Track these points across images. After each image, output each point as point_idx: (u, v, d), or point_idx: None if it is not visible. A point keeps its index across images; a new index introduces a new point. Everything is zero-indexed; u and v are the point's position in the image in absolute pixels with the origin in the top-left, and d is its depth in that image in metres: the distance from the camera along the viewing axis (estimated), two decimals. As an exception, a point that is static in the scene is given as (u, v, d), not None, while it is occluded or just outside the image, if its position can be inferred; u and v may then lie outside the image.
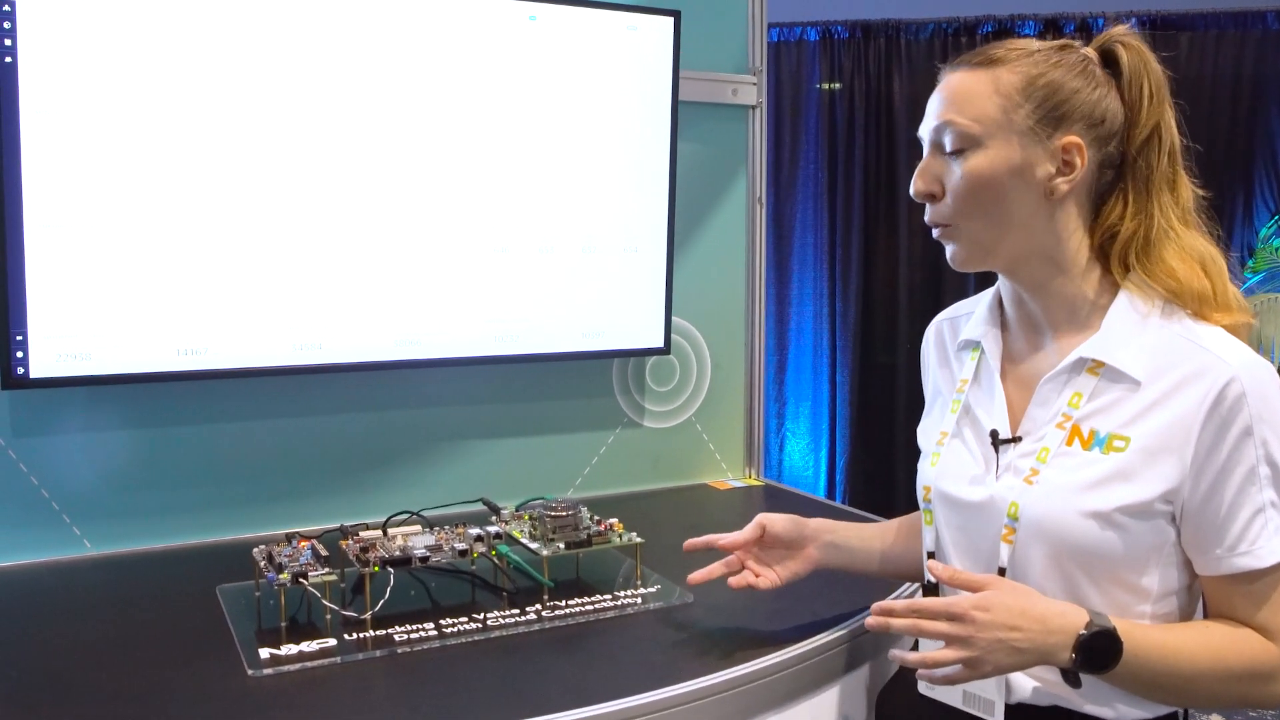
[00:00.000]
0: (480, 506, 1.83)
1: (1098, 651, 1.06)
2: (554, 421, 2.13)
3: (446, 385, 2.02)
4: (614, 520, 1.63)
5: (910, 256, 4.81)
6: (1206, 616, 1.18)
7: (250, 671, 1.27)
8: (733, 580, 1.38)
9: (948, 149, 1.17)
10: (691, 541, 1.42)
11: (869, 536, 1.45)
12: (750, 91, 2.23)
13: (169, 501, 1.82)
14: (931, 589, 1.24)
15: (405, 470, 2.00)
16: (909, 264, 4.81)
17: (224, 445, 1.85)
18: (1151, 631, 1.11)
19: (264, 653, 1.32)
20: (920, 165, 1.20)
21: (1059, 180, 1.15)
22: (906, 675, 1.35)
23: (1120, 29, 1.19)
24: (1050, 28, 4.58)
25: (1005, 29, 4.59)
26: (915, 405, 5.17)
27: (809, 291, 4.84)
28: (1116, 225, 1.19)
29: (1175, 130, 1.19)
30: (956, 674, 1.08)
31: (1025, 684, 1.17)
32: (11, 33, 1.55)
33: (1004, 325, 1.29)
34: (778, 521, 1.39)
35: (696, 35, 2.10)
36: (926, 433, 1.36)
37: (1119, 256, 1.19)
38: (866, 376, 4.95)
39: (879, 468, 4.95)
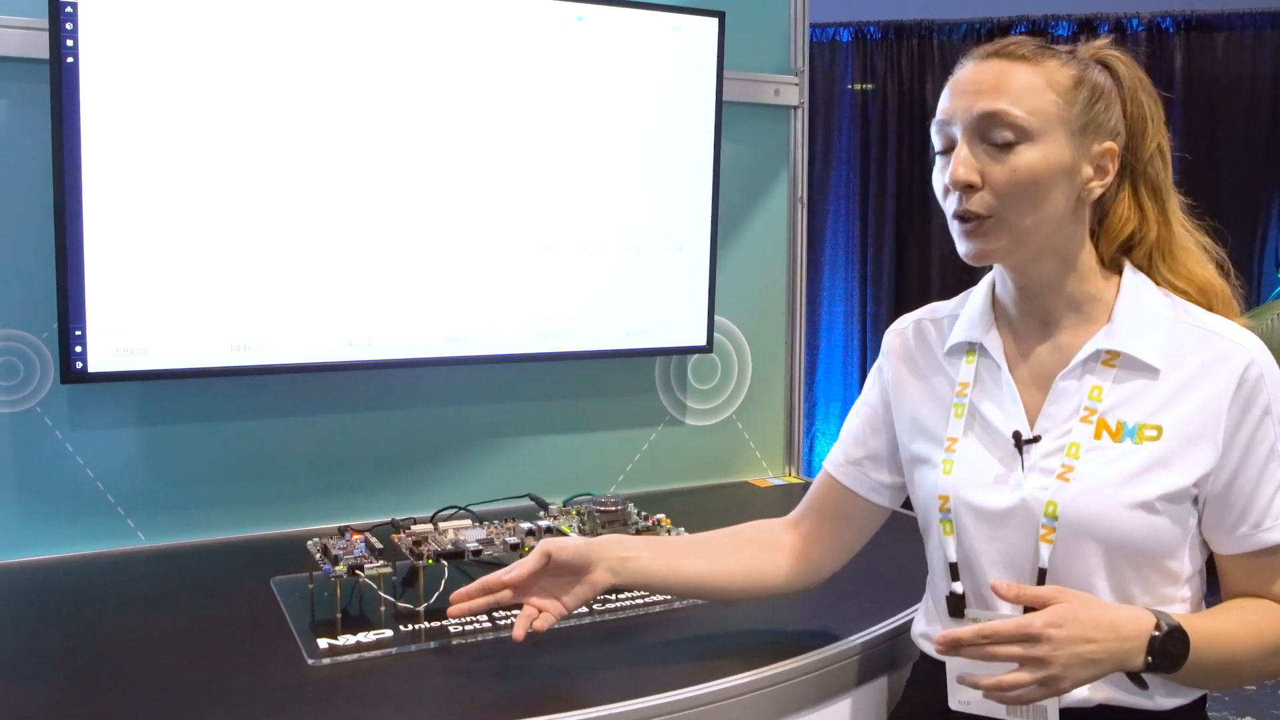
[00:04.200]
0: (527, 502, 1.85)
1: (1170, 652, 1.06)
2: (597, 419, 2.15)
3: (492, 382, 2.04)
4: (661, 515, 1.65)
5: (942, 257, 4.80)
6: (1220, 593, 1.18)
7: (310, 661, 1.30)
8: (515, 631, 1.24)
9: (995, 139, 1.12)
10: (461, 591, 1.26)
11: (676, 553, 1.34)
12: (792, 92, 2.24)
13: (219, 495, 1.85)
14: (956, 601, 1.21)
15: (450, 466, 2.02)
16: (940, 265, 4.81)
17: (274, 440, 1.88)
18: (1202, 621, 1.11)
19: (322, 643, 1.34)
20: (959, 154, 1.13)
21: (1094, 184, 1.15)
22: (922, 691, 1.32)
23: (1103, 43, 1.19)
24: (1085, 28, 4.56)
25: (1039, 29, 4.58)
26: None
27: (840, 291, 4.84)
28: (1134, 232, 1.20)
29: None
30: (1032, 694, 1.05)
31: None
32: (74, 34, 1.59)
33: (1001, 324, 1.25)
34: (565, 549, 1.27)
35: (739, 36, 2.11)
36: (924, 440, 1.28)
37: (1141, 262, 1.21)
38: (898, 377, 4.94)
39: (909, 469, 4.94)
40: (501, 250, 1.92)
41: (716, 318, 2.16)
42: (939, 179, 1.18)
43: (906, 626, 1.46)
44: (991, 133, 1.12)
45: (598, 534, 1.57)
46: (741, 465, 2.32)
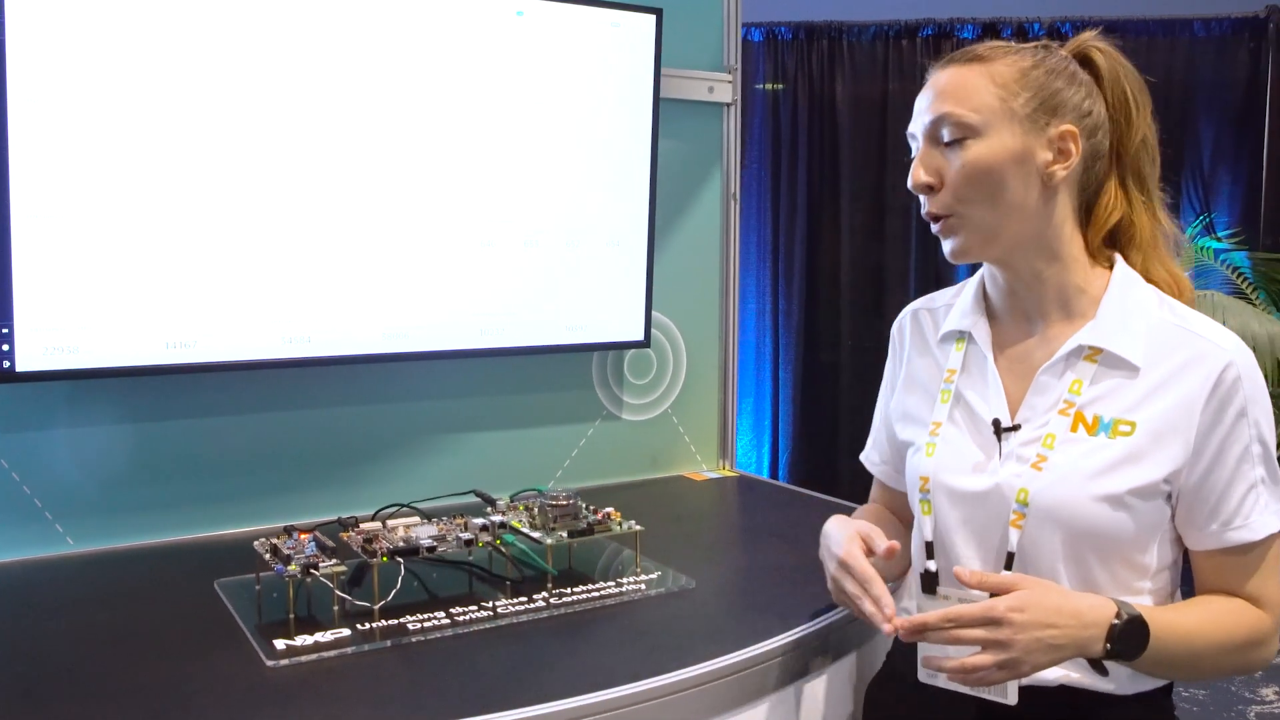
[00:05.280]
0: (470, 498, 1.84)
1: (1130, 640, 1.10)
2: (535, 414, 2.14)
3: (431, 378, 2.02)
4: (610, 509, 1.65)
5: (853, 255, 4.90)
6: (1194, 590, 1.22)
7: (269, 663, 1.27)
8: (886, 627, 1.16)
9: (945, 140, 1.19)
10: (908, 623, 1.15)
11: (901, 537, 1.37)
12: (726, 89, 2.27)
13: (153, 497, 1.79)
14: (930, 579, 1.24)
15: (389, 463, 1.99)
16: (851, 263, 4.90)
17: (209, 440, 1.84)
18: (1166, 613, 1.14)
19: (279, 644, 1.31)
20: (918, 158, 1.21)
21: (1056, 167, 1.19)
22: (896, 665, 1.37)
23: (1090, 35, 1.24)
24: (988, 31, 4.70)
25: (945, 32, 4.70)
26: (857, 402, 5.32)
27: (752, 289, 4.90)
28: (1119, 222, 1.24)
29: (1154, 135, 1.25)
30: (993, 676, 1.08)
31: None
32: (-1, 18, 1.53)
33: (990, 315, 1.30)
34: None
35: (673, 33, 2.12)
36: (912, 423, 1.35)
37: (1128, 254, 1.25)
38: (809, 374, 5.03)
39: (821, 463, 5.03)
40: (442, 245, 1.90)
41: (653, 313, 2.17)
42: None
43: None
44: (941, 134, 1.19)
45: (550, 529, 1.57)
46: (676, 459, 2.34)
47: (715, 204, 2.32)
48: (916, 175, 1.21)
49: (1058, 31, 4.64)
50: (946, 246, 1.23)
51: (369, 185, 1.82)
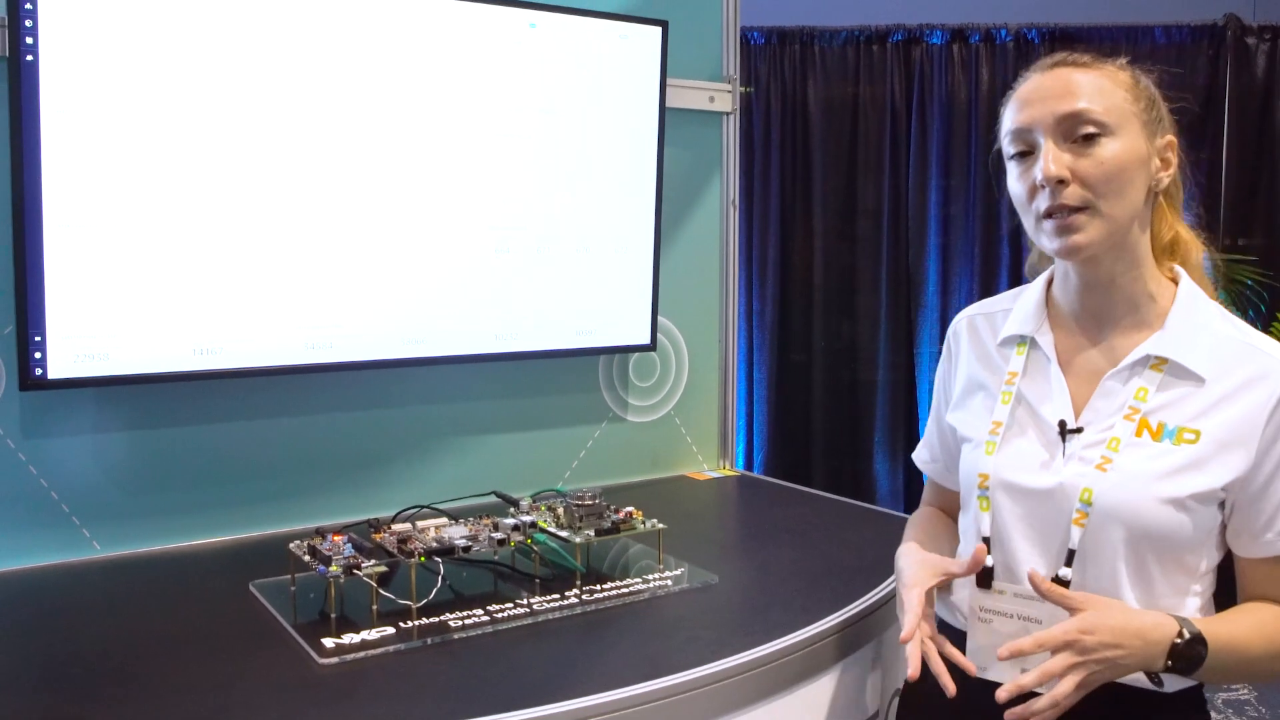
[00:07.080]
0: (490, 499, 1.88)
1: (1189, 657, 1.15)
2: (544, 417, 2.19)
3: (445, 383, 2.06)
4: (631, 508, 1.71)
5: (825, 257, 4.97)
6: (1238, 596, 1.27)
7: (321, 661, 1.31)
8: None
9: (1078, 136, 1.20)
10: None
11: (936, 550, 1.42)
12: (726, 99, 2.33)
13: (177, 501, 1.82)
14: (986, 575, 1.28)
15: (407, 465, 2.03)
16: (824, 265, 4.98)
17: (231, 444, 1.86)
18: (1218, 625, 1.19)
19: (328, 643, 1.35)
20: (1049, 153, 1.20)
21: (1162, 174, 1.25)
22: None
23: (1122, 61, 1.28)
24: (957, 37, 4.79)
25: (914, 37, 4.78)
26: (830, 401, 5.36)
27: (726, 290, 4.95)
28: (1171, 230, 1.30)
29: None
30: (1065, 696, 1.13)
31: None
32: (33, 31, 1.55)
33: (1053, 321, 1.34)
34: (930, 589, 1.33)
35: (674, 43, 2.17)
36: (971, 422, 1.38)
37: (1180, 259, 1.31)
38: (783, 374, 5.10)
39: (796, 463, 5.10)
40: (458, 254, 1.94)
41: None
42: (1018, 184, 1.25)
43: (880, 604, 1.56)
44: (1074, 131, 1.21)
45: (577, 528, 1.62)
46: (679, 460, 2.39)
47: (715, 210, 2.37)
48: (1051, 169, 1.20)
49: (1024, 38, 4.75)
50: (1062, 242, 1.22)
51: (388, 196, 1.86)
